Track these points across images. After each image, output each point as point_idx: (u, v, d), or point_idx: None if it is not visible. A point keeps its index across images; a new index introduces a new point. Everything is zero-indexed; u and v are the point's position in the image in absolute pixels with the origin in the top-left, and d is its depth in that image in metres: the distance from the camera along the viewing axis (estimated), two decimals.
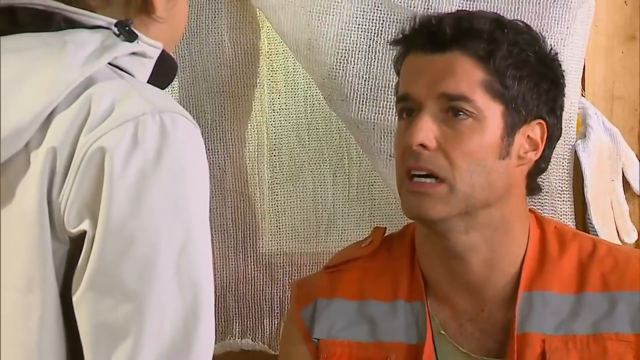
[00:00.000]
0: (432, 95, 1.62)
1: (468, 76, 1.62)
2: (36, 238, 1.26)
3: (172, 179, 1.26)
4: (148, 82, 1.40)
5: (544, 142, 1.68)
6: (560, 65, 1.72)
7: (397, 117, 1.71)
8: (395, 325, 1.71)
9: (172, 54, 1.47)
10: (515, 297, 1.67)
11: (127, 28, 1.35)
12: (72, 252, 1.27)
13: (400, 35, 1.71)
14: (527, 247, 1.69)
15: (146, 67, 1.39)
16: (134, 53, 1.36)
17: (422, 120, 1.61)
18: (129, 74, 1.36)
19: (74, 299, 1.26)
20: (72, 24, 1.34)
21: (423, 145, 1.60)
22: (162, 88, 1.47)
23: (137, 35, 1.35)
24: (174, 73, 1.49)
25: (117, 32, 1.34)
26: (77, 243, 1.27)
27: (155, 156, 1.25)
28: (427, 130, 1.60)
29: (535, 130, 1.67)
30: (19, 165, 1.27)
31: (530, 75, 1.65)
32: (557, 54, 1.72)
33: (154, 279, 1.24)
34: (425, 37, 1.66)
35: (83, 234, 1.25)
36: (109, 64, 1.32)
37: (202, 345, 1.27)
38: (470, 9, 1.90)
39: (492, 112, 1.62)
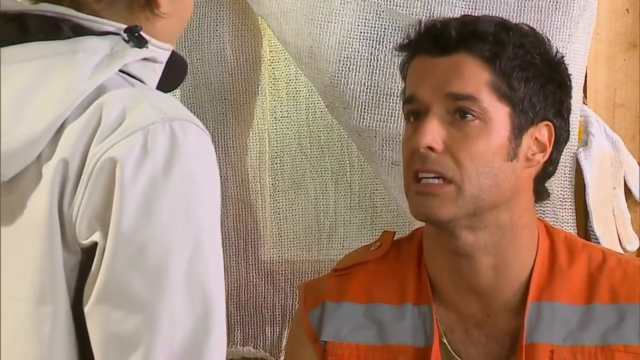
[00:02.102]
0: (439, 96, 1.62)
1: (474, 76, 1.62)
2: (47, 249, 1.26)
3: (183, 188, 1.26)
4: (159, 82, 1.40)
5: (551, 144, 1.68)
6: (566, 67, 1.72)
7: (402, 122, 1.71)
8: (403, 328, 1.71)
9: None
10: (523, 305, 1.67)
11: (136, 34, 1.34)
12: (83, 263, 1.27)
13: (406, 41, 1.72)
14: (536, 256, 1.70)
15: (156, 73, 1.39)
16: (144, 59, 1.35)
17: (429, 122, 1.61)
18: (140, 80, 1.35)
19: (85, 309, 1.26)
20: (82, 30, 1.33)
21: (430, 148, 1.61)
22: (174, 88, 1.47)
23: (146, 41, 1.35)
24: (184, 72, 1.49)
25: (127, 39, 1.34)
26: (88, 254, 1.26)
27: (165, 165, 1.25)
28: (434, 132, 1.61)
29: (542, 132, 1.67)
30: (31, 177, 1.27)
31: (536, 77, 1.65)
32: (563, 56, 1.72)
33: (165, 289, 1.24)
34: (431, 41, 1.66)
35: (94, 244, 1.25)
36: (120, 70, 1.32)
37: (214, 353, 1.26)
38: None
39: (499, 114, 1.62)
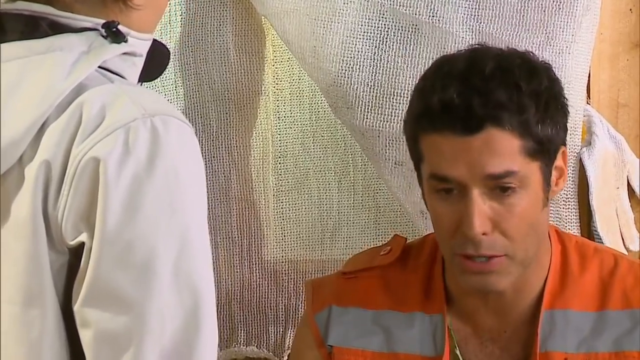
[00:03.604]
0: (478, 177, 1.58)
1: (508, 150, 1.58)
2: (32, 251, 1.25)
3: (166, 184, 1.25)
4: (142, 72, 1.38)
5: (566, 164, 1.68)
6: (562, 88, 1.68)
7: (425, 183, 1.63)
8: (411, 336, 1.70)
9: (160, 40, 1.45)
10: (537, 315, 1.67)
11: (114, 29, 1.33)
12: (72, 263, 1.27)
13: (417, 111, 1.64)
14: (550, 264, 1.69)
15: (137, 66, 1.38)
16: (124, 53, 1.34)
17: (475, 206, 1.58)
18: (119, 75, 1.34)
19: (75, 309, 1.25)
20: (59, 27, 1.32)
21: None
22: (156, 77, 1.46)
23: (124, 36, 1.33)
24: (167, 60, 1.47)
25: (105, 34, 1.32)
26: (76, 254, 1.26)
27: (148, 162, 1.24)
28: (482, 217, 1.58)
29: (559, 159, 1.66)
30: (14, 179, 1.27)
31: (552, 119, 1.62)
32: (558, 80, 1.68)
33: (153, 286, 1.23)
34: (455, 120, 1.58)
35: (82, 244, 1.25)
36: (99, 66, 1.31)
37: (205, 349, 1.26)
38: (476, 19, 1.90)
39: (533, 173, 1.61)
